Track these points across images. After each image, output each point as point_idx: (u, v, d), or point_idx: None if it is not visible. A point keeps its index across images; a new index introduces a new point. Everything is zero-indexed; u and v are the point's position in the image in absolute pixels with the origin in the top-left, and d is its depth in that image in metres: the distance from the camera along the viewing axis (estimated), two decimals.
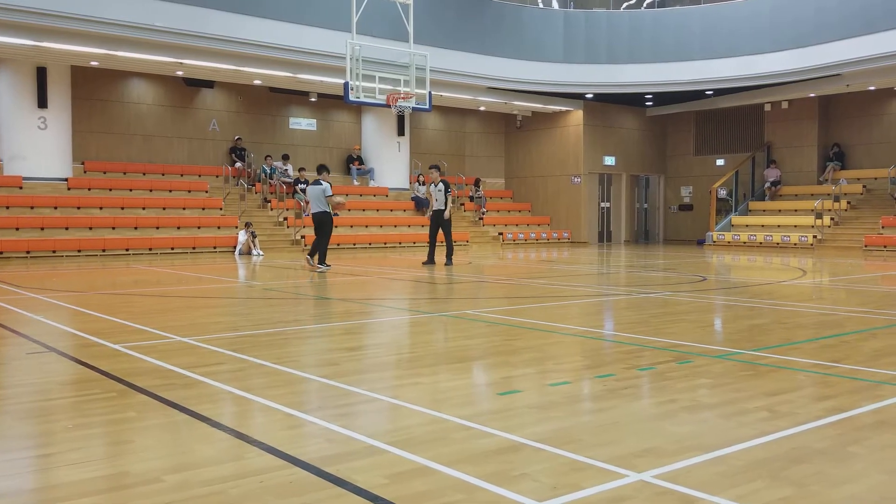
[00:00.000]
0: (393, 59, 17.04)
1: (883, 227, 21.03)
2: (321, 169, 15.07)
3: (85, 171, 20.52)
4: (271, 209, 22.22)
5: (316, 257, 14.61)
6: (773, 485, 3.11)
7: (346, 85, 15.85)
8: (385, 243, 22.04)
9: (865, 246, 20.47)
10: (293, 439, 3.75)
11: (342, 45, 16.28)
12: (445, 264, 15.31)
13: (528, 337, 6.86)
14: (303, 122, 24.62)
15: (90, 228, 18.62)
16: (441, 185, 15.51)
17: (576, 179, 26.38)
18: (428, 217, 16.08)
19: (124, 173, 21.11)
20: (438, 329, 7.55)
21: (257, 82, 21.76)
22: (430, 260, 15.63)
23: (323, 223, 14.43)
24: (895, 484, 3.16)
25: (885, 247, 20.03)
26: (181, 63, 18.70)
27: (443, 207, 15.44)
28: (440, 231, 15.62)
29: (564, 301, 9.91)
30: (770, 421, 4.02)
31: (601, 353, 6.22)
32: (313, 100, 24.23)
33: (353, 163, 24.90)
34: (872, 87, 22.87)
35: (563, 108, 26.03)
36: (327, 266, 14.43)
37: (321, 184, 14.40)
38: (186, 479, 3.19)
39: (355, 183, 24.70)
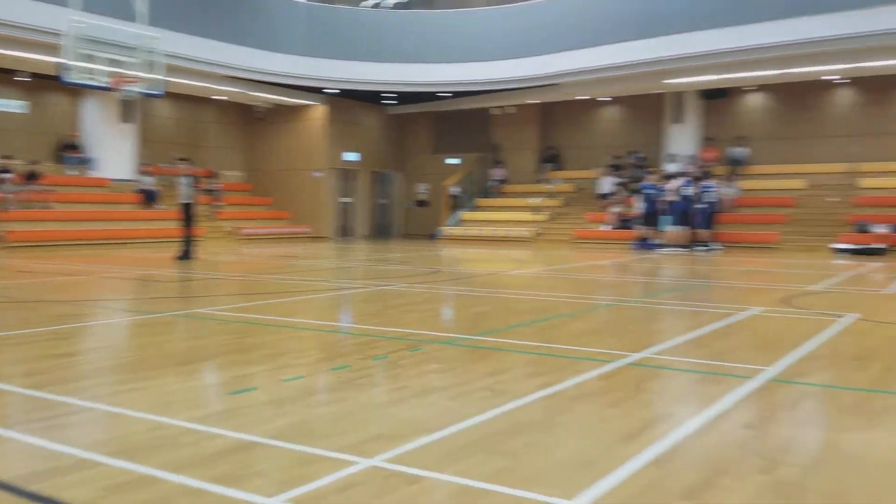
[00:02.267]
0: (122, 41, 15.84)
1: (589, 222, 23.47)
2: None
3: None
4: None
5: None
6: (492, 457, 3.37)
7: (61, 65, 14.48)
8: (107, 240, 20.39)
9: (574, 238, 22.70)
10: None
11: (59, 19, 14.82)
12: (180, 258, 14.71)
13: (262, 334, 6.76)
14: (11, 104, 22.08)
15: None
16: (188, 179, 15.05)
17: (317, 174, 26.37)
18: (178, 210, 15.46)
19: None
20: (166, 330, 7.18)
21: None
22: (185, 255, 14.99)
23: None
24: (596, 447, 3.56)
25: (590, 239, 22.36)
26: None
27: (190, 201, 14.98)
28: (189, 224, 15.13)
29: (301, 296, 9.90)
30: (490, 399, 4.34)
31: (337, 346, 6.31)
32: (25, 79, 21.79)
33: (70, 150, 22.77)
34: (585, 97, 25.39)
35: (306, 102, 25.89)
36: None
37: None
38: None
39: (71, 173, 22.60)
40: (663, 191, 19.97)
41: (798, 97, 23.03)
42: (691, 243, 19.52)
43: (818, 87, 22.62)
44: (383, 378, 4.98)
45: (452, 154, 28.66)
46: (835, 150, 22.30)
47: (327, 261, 16.48)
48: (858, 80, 21.98)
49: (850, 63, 19.57)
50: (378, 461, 3.29)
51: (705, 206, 19.43)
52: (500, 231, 24.27)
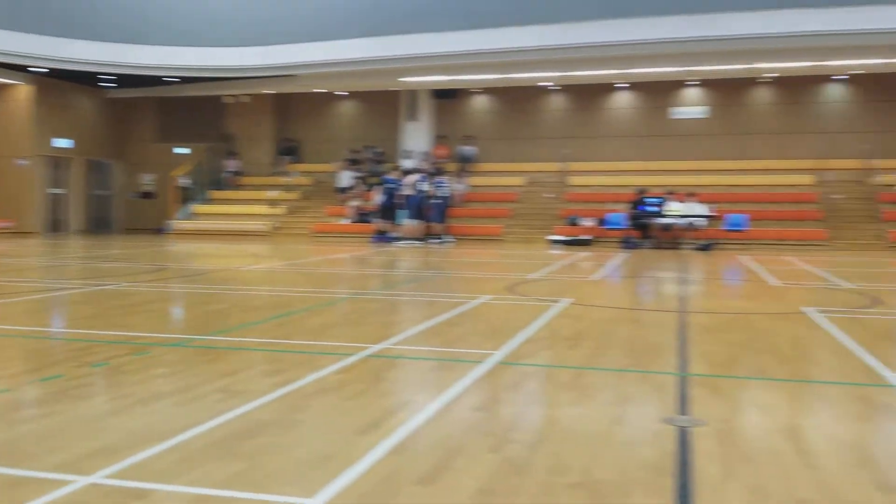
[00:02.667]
0: None
1: (328, 216, 23.50)
2: None
3: None
4: None
5: None
6: (227, 462, 3.21)
7: None
8: None
9: (313, 232, 22.62)
10: None
11: None
12: None
13: None
14: None
15: None
16: None
17: (21, 162, 23.65)
18: None
19: None
20: None
21: None
22: None
23: None
24: (335, 442, 3.53)
25: (329, 233, 22.41)
26: None
27: None
28: None
29: (3, 300, 8.81)
30: (225, 401, 4.15)
31: (48, 354, 5.68)
32: None
33: None
34: (320, 90, 25.31)
35: (8, 81, 23.09)
36: None
37: None
38: None
39: None
40: (401, 185, 20.54)
41: (518, 101, 24.83)
42: (426, 236, 20.29)
43: (535, 93, 24.58)
44: (104, 386, 4.57)
45: (181, 143, 27.19)
46: (550, 150, 24.35)
47: (35, 259, 14.86)
48: (569, 87, 24.21)
49: (561, 71, 21.49)
50: (98, 478, 2.99)
51: (439, 200, 20.28)
52: (236, 225, 23.49)
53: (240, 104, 26.46)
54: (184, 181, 25.45)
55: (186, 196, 25.55)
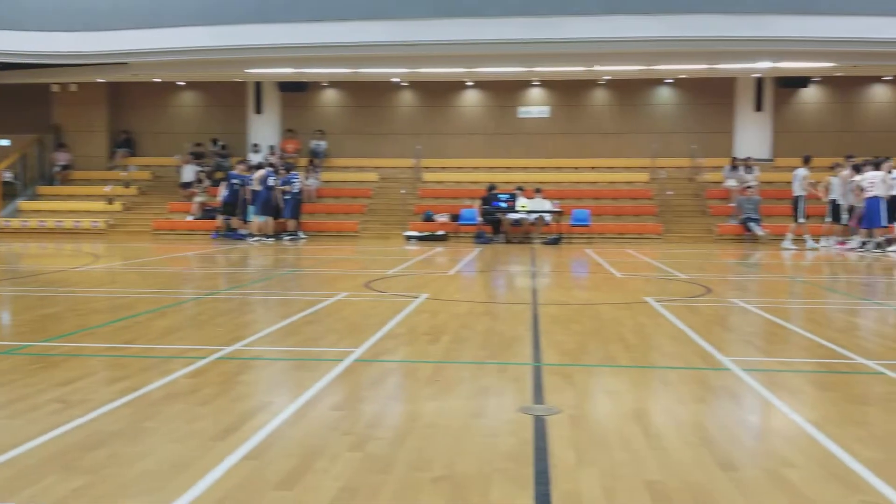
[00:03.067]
0: None
1: (170, 212, 22.45)
2: None
3: None
4: None
5: None
6: (67, 476, 2.99)
7: None
8: None
9: (155, 230, 21.55)
10: None
11: None
12: None
13: None
14: None
15: None
16: None
17: None
18: None
19: None
20: None
21: None
22: None
23: None
24: (185, 450, 3.36)
25: (172, 230, 21.43)
26: None
27: None
28: None
29: None
30: (63, 412, 3.86)
31: None
32: None
33: None
34: (158, 79, 24.11)
35: None
36: None
37: None
38: None
39: None
40: (249, 180, 19.93)
41: (370, 96, 24.76)
42: (277, 233, 19.85)
43: (386, 88, 24.60)
44: None
45: (1, 134, 25.10)
46: (402, 146, 24.46)
47: None
48: (419, 83, 24.40)
49: (410, 68, 21.62)
50: None
51: (290, 196, 19.86)
52: (68, 222, 21.99)
53: (69, 93, 24.75)
54: (6, 175, 23.52)
55: (10, 191, 23.62)
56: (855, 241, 16.76)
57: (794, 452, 3.38)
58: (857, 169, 16.84)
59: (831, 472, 3.13)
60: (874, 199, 16.07)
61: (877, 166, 16.49)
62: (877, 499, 2.86)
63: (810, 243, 17.40)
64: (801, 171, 17.57)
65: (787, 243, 17.49)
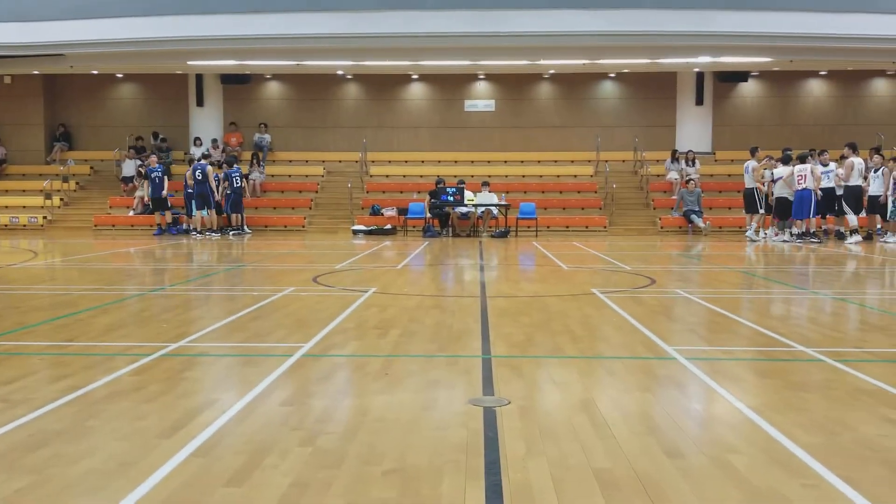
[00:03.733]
0: None
1: (111, 207, 21.91)
2: None
3: None
4: None
5: None
6: (10, 477, 2.92)
7: None
8: None
9: (95, 225, 20.99)
10: None
11: None
12: None
13: None
14: None
15: None
16: None
17: None
18: None
19: None
20: None
21: None
22: None
23: None
24: (131, 448, 3.30)
25: (113, 226, 20.92)
26: None
27: None
28: None
29: None
30: (5, 412, 3.76)
31: None
32: None
33: None
34: (96, 72, 23.47)
35: None
36: None
37: None
38: None
39: None
40: (195, 175, 19.52)
41: (315, 89, 24.51)
42: (222, 228, 19.54)
43: (331, 81, 24.38)
44: None
45: None
46: (348, 139, 24.30)
47: None
48: (365, 76, 24.26)
49: (354, 60, 21.45)
50: None
51: (231, 191, 19.56)
52: (4, 218, 21.29)
53: (3, 86, 23.96)
54: None
55: None
56: (785, 234, 17.22)
57: (737, 439, 3.47)
58: (784, 161, 17.30)
59: (773, 457, 3.23)
60: (805, 192, 16.56)
61: (802, 160, 16.98)
62: (817, 482, 2.96)
63: (750, 233, 17.85)
64: (752, 164, 17.98)
65: (751, 233, 17.82)
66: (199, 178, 19.06)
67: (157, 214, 19.88)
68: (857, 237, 16.64)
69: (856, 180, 16.64)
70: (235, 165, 20.06)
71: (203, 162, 19.85)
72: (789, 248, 15.33)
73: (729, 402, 4.07)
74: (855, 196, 16.71)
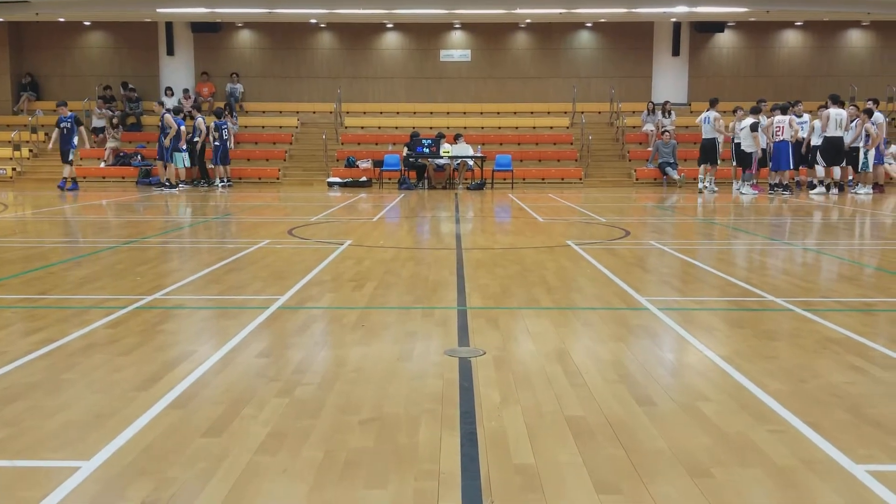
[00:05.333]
0: None
1: (81, 159, 21.51)
2: None
3: None
4: None
5: None
6: None
7: None
8: None
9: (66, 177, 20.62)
10: None
11: None
12: None
13: None
14: None
15: None
16: None
17: None
18: None
19: None
20: None
21: None
22: None
23: None
24: (107, 401, 3.30)
25: (84, 177, 20.57)
26: None
27: None
28: None
29: None
30: None
31: None
32: None
33: None
34: (63, 19, 22.86)
35: None
36: None
37: None
38: None
39: None
40: (182, 125, 19.18)
41: (287, 38, 24.07)
42: (203, 179, 19.36)
43: (304, 30, 23.94)
44: None
45: None
46: (322, 90, 23.98)
47: None
48: (338, 25, 23.83)
49: (327, 8, 21.05)
50: None
51: (222, 143, 19.29)
52: None
53: None
54: None
55: None
56: (743, 185, 17.37)
57: (707, 387, 3.55)
58: (753, 113, 17.31)
59: (742, 404, 3.30)
60: (782, 143, 16.66)
61: (784, 111, 17.04)
62: (784, 427, 3.04)
63: (703, 185, 17.94)
64: (713, 114, 17.94)
65: (710, 185, 17.93)
66: (226, 136, 18.93)
67: (67, 167, 18.49)
68: (821, 189, 16.81)
69: (833, 131, 16.68)
70: (225, 118, 19.71)
71: (224, 120, 19.42)
72: (750, 199, 15.48)
73: (700, 351, 4.15)
74: (834, 147, 16.73)
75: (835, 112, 16.72)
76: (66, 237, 9.48)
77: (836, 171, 16.85)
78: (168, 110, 18.99)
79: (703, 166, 18.11)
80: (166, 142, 18.14)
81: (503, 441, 2.89)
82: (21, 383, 3.50)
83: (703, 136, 18.01)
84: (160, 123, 18.55)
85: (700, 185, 18.05)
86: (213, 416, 3.13)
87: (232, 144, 20.10)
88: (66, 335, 4.33)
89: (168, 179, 18.48)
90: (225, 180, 19.39)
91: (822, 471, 2.63)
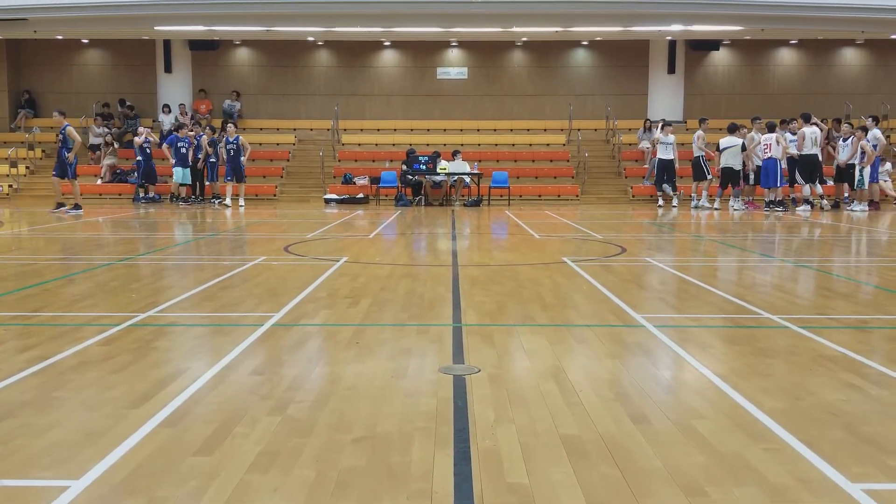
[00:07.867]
0: None
1: (79, 176, 21.53)
2: None
3: None
4: None
5: None
6: None
7: None
8: None
9: (63, 194, 20.60)
10: None
11: None
12: None
13: None
14: None
15: None
16: None
17: None
18: None
19: None
20: None
21: None
22: None
23: None
24: (99, 419, 3.28)
25: (81, 194, 20.54)
26: None
27: None
28: None
29: None
30: None
31: None
32: None
33: None
34: (61, 37, 22.95)
35: None
36: None
37: None
38: None
39: None
40: (180, 142, 19.18)
41: (285, 56, 24.18)
42: (203, 196, 19.38)
43: (302, 48, 24.05)
44: None
45: None
46: (320, 107, 24.05)
47: None
48: (336, 43, 23.94)
49: (325, 26, 21.15)
50: None
51: (230, 158, 19.28)
52: None
53: None
54: None
55: None
56: (717, 202, 17.60)
57: (703, 404, 3.53)
58: (731, 130, 17.51)
59: (737, 422, 3.29)
60: (770, 160, 16.76)
61: (771, 129, 17.14)
62: (779, 446, 3.02)
63: (696, 202, 18.10)
64: (699, 133, 18.23)
65: (701, 202, 18.01)
66: (232, 153, 18.77)
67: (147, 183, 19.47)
68: (806, 206, 16.85)
69: (809, 150, 16.79)
70: (234, 134, 19.35)
71: (236, 135, 19.17)
72: (740, 216, 15.49)
73: (695, 368, 4.13)
74: (810, 165, 16.86)
75: (809, 130, 16.83)
76: (62, 254, 9.46)
77: (819, 188, 16.95)
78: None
79: (694, 184, 18.41)
80: (70, 157, 16.22)
81: (497, 460, 2.87)
82: (13, 401, 3.48)
83: (695, 155, 18.30)
84: (61, 136, 16.46)
85: (693, 203, 18.19)
86: (205, 434, 3.10)
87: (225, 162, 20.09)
88: (60, 352, 4.31)
89: (71, 197, 16.70)
90: (222, 197, 19.35)
91: (818, 489, 2.61)
